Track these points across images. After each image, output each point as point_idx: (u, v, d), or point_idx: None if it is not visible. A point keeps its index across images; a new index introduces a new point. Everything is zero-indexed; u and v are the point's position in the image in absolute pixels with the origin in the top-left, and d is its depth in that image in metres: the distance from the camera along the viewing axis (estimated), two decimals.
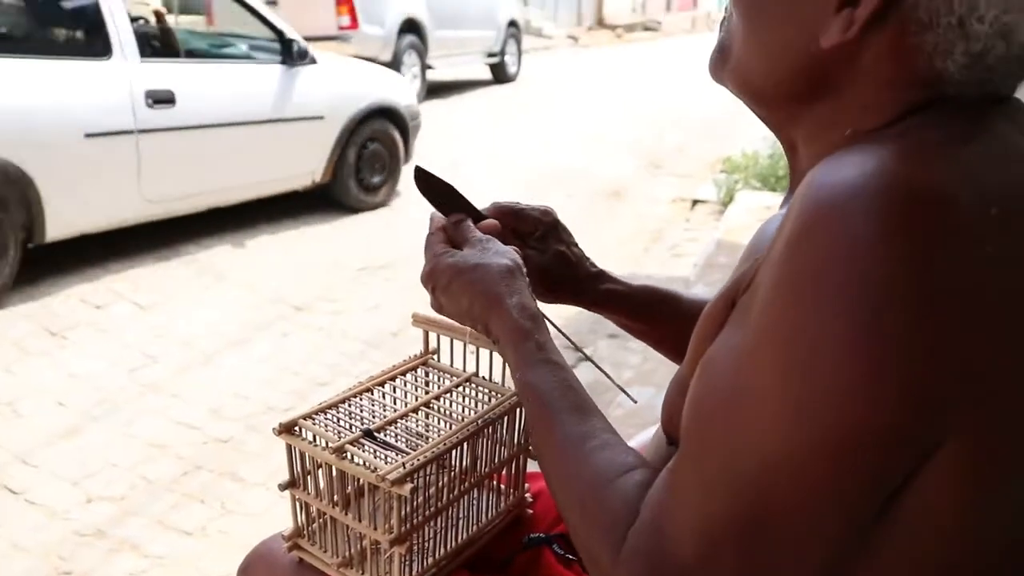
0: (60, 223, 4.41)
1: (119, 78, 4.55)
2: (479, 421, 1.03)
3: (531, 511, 1.15)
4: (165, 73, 4.82)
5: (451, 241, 1.01)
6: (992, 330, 0.60)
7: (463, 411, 1.11)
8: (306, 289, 4.78)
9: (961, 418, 0.60)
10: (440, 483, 1.00)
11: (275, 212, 5.95)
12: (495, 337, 0.94)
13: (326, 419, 1.02)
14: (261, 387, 3.65)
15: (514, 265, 0.96)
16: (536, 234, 1.14)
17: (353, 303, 4.63)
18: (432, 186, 1.05)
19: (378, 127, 6.10)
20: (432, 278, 0.98)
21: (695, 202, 7.00)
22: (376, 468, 0.91)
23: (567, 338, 1.10)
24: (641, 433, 1.27)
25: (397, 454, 0.95)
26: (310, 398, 3.45)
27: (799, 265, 0.62)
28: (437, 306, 1.00)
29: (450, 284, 0.96)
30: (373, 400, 1.08)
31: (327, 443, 0.96)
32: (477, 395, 1.13)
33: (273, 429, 0.99)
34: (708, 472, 0.67)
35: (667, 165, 8.50)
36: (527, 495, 1.15)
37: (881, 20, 0.69)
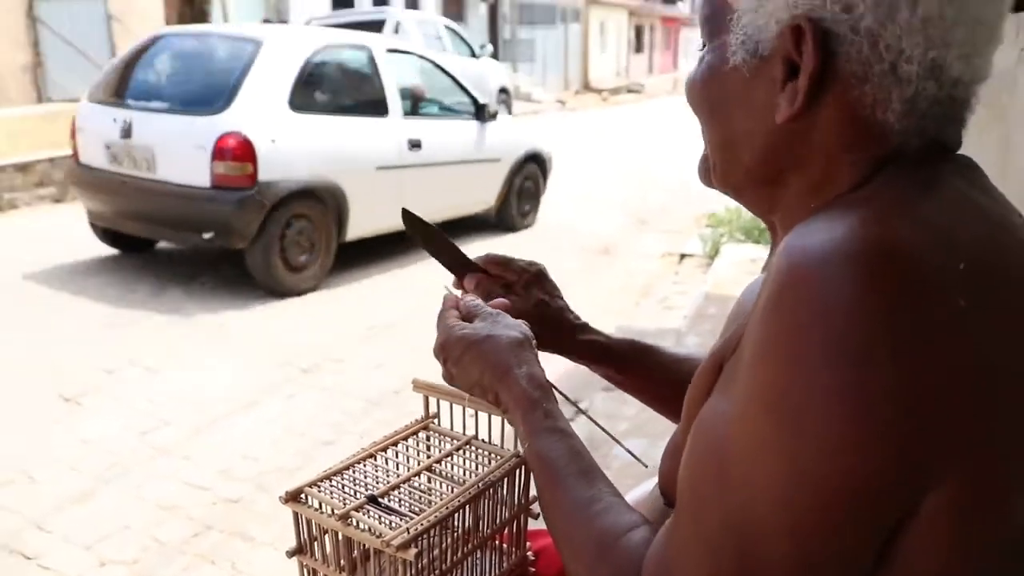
0: (354, 229, 6.28)
1: (393, 130, 6.60)
2: (480, 483, 1.05)
3: (533, 570, 1.17)
4: (416, 127, 6.85)
5: (463, 316, 1.05)
6: (971, 380, 0.62)
7: (464, 474, 1.13)
8: (312, 350, 4.82)
9: (947, 465, 0.62)
10: (444, 545, 1.01)
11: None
12: (504, 406, 0.98)
13: (331, 486, 1.04)
14: (269, 448, 3.68)
15: (523, 337, 1.01)
16: (521, 283, 1.20)
17: (357, 363, 4.68)
18: (419, 228, 1.10)
19: (530, 168, 8.20)
20: (444, 350, 1.02)
21: (682, 256, 7.15)
22: (381, 534, 0.94)
23: (569, 400, 1.13)
24: (638, 488, 1.29)
25: (401, 519, 0.97)
26: (317, 458, 3.48)
27: (779, 327, 0.65)
28: (449, 377, 1.04)
29: (462, 356, 1.00)
30: (376, 466, 1.11)
31: (332, 510, 0.98)
32: (477, 457, 1.15)
33: (280, 497, 1.02)
34: (706, 533, 0.69)
35: (654, 221, 8.70)
36: (529, 554, 1.17)
37: (822, 84, 0.73)
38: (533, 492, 1.11)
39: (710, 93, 0.84)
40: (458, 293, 1.12)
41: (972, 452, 0.63)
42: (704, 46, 0.87)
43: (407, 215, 1.11)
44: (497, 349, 0.99)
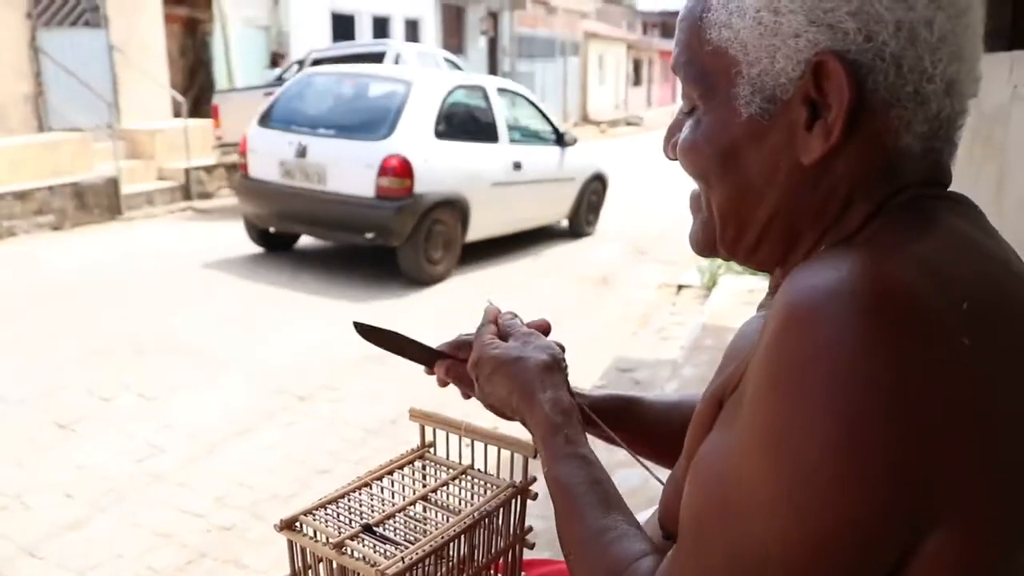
0: (472, 233, 7.76)
1: (503, 154, 8.12)
2: (476, 513, 1.05)
3: None
4: (517, 151, 8.39)
5: (500, 333, 1.07)
6: (973, 419, 0.62)
7: (460, 503, 1.13)
8: (308, 379, 4.83)
9: (948, 505, 0.62)
10: (438, 574, 1.01)
11: (272, 307, 6.02)
12: (530, 429, 1.00)
13: (326, 514, 1.04)
14: (264, 475, 3.67)
15: (552, 360, 1.02)
16: None
17: (354, 392, 4.68)
18: (376, 336, 1.12)
19: (595, 185, 9.92)
20: (478, 367, 1.04)
21: (680, 287, 7.21)
22: (375, 562, 0.94)
23: (602, 425, 1.12)
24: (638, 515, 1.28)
25: (396, 548, 0.97)
26: (312, 485, 3.46)
27: (783, 366, 0.65)
28: (481, 394, 1.06)
29: (493, 374, 1.02)
30: (372, 494, 1.11)
31: (327, 538, 0.98)
32: (473, 487, 1.15)
33: (274, 525, 1.01)
34: (708, 567, 0.70)
35: (652, 252, 8.79)
36: None
37: (855, 117, 0.73)
38: (528, 522, 1.12)
39: (719, 150, 0.81)
40: (499, 307, 1.14)
41: (975, 492, 0.63)
42: (692, 108, 0.85)
43: (360, 327, 1.12)
44: (525, 371, 1.00)
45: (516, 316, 1.10)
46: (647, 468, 1.21)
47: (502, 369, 1.01)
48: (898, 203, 0.75)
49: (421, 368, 1.18)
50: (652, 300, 7.01)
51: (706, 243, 0.89)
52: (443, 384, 1.17)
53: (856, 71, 0.72)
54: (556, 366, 1.02)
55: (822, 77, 0.73)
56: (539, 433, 0.97)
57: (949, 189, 0.79)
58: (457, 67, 13.63)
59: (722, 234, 0.86)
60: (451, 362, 1.15)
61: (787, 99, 0.76)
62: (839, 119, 0.73)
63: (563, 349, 1.08)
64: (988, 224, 0.77)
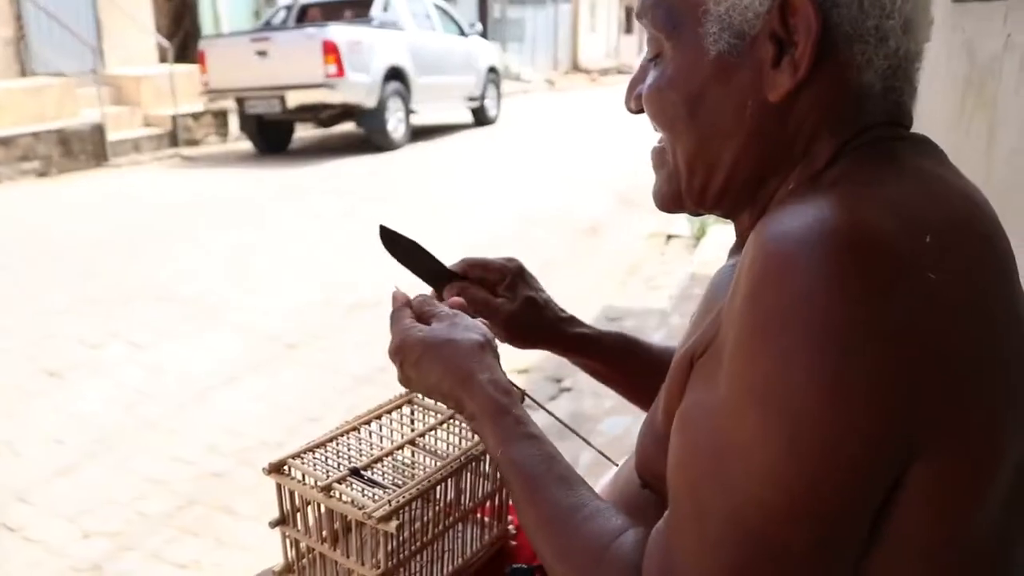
0: None
1: None
2: (463, 457, 1.06)
3: (514, 543, 1.18)
4: None
5: (418, 316, 1.01)
6: (945, 348, 0.64)
7: (447, 448, 1.14)
8: (298, 327, 4.82)
9: (929, 433, 0.64)
10: (425, 518, 1.02)
11: (261, 255, 6.00)
12: (469, 413, 0.93)
13: (314, 458, 1.05)
14: (254, 423, 3.68)
15: (484, 340, 0.97)
16: (504, 282, 1.17)
17: (344, 340, 4.68)
18: (397, 244, 1.09)
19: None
20: (400, 352, 0.97)
21: (669, 237, 7.16)
22: (363, 505, 0.95)
23: (534, 401, 1.12)
24: (610, 472, 1.28)
25: (383, 491, 0.98)
26: (302, 432, 3.48)
27: (761, 318, 0.66)
28: (405, 380, 0.99)
29: (420, 359, 0.95)
30: (360, 439, 1.12)
31: (315, 482, 0.99)
32: (460, 432, 1.16)
33: (263, 468, 1.02)
34: (711, 530, 0.68)
35: (641, 202, 8.65)
36: (510, 527, 1.18)
37: (821, 52, 0.74)
38: None
39: (687, 93, 0.81)
40: (406, 293, 1.07)
41: (951, 418, 0.64)
42: (656, 55, 0.85)
43: (384, 231, 1.09)
44: (458, 353, 0.94)
45: (430, 298, 1.05)
46: (597, 449, 1.21)
47: (431, 353, 0.94)
48: (862, 143, 0.76)
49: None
50: (641, 250, 6.96)
51: (672, 196, 0.90)
52: (451, 308, 1.08)
53: (821, 4, 0.73)
54: (488, 345, 0.96)
55: (788, 12, 0.74)
56: (485, 416, 0.91)
57: (939, 139, 0.80)
58: (447, 13, 13.52)
59: (689, 183, 0.86)
60: (464, 284, 1.13)
61: (754, 35, 0.76)
62: (806, 52, 0.74)
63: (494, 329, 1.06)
64: (950, 162, 0.78)
